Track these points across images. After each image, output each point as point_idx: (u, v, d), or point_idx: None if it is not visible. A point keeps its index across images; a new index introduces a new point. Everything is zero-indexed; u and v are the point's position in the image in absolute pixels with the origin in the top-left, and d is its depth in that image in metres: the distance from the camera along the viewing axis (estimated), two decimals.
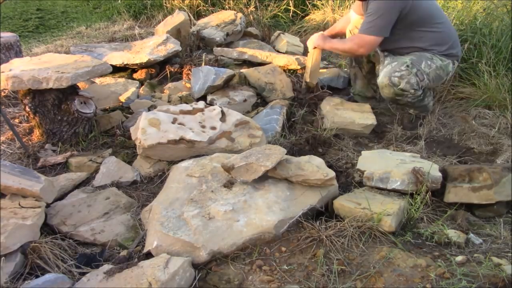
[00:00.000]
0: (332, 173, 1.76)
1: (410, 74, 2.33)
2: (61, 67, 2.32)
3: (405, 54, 2.44)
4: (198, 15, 4.76)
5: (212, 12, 4.60)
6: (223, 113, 2.33)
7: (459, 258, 1.48)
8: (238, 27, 3.99)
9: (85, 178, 2.15)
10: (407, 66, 2.34)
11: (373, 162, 2.01)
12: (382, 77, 2.41)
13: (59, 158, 2.25)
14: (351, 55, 2.62)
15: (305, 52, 3.95)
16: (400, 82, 2.33)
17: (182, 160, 2.10)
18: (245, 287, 1.41)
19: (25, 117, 2.61)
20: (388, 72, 2.38)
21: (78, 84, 2.51)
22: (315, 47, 2.75)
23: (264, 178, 1.80)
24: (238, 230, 1.57)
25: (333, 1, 4.47)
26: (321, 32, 2.86)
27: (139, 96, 3.00)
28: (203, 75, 2.88)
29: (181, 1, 4.90)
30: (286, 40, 3.91)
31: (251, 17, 4.57)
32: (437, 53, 2.41)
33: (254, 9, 4.64)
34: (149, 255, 1.55)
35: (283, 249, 1.56)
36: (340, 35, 2.91)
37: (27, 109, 2.33)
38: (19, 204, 1.64)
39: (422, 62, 2.37)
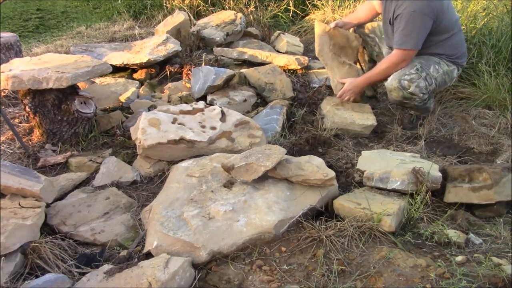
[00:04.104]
0: (332, 173, 1.76)
1: (420, 78, 2.31)
2: (61, 67, 2.32)
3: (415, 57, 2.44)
4: (198, 15, 4.76)
5: (212, 12, 4.60)
6: (223, 113, 2.33)
7: (459, 258, 1.48)
8: (238, 27, 3.99)
9: (85, 178, 2.15)
10: (417, 69, 2.33)
11: (373, 162, 2.01)
12: (391, 80, 2.38)
13: (59, 158, 2.25)
14: (389, 73, 2.41)
15: (305, 52, 3.95)
16: (410, 85, 2.31)
17: (182, 160, 2.10)
18: (245, 287, 1.41)
19: (25, 117, 2.61)
20: (398, 75, 2.35)
21: (78, 84, 2.51)
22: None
23: (264, 178, 1.80)
24: (238, 230, 1.57)
25: (333, 1, 4.47)
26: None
27: (139, 96, 3.00)
28: (203, 75, 2.88)
29: (181, 1, 4.90)
30: (286, 40, 3.91)
31: (251, 17, 4.57)
32: (445, 58, 2.41)
33: (254, 9, 4.64)
34: (149, 255, 1.55)
35: (283, 249, 1.56)
36: (363, 23, 2.80)
37: (27, 109, 2.33)
38: (19, 204, 1.64)
39: (431, 66, 2.36)
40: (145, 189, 2.08)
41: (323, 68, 3.48)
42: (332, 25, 2.71)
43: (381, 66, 2.44)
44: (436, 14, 2.24)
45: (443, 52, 2.40)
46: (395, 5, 2.31)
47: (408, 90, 2.32)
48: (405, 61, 2.34)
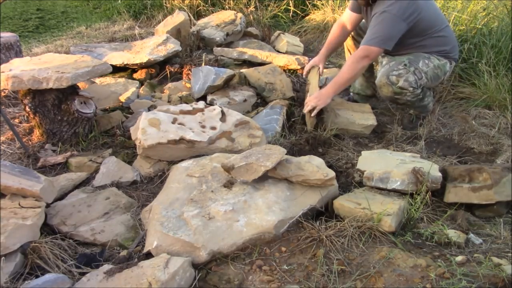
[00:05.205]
0: (332, 173, 1.76)
1: (408, 72, 2.34)
2: (61, 67, 2.32)
3: (402, 55, 2.45)
4: (198, 15, 4.76)
5: (212, 12, 4.60)
6: (223, 113, 2.33)
7: (459, 258, 1.48)
8: (238, 27, 3.99)
9: (85, 178, 2.15)
10: (405, 65, 2.36)
11: (373, 162, 2.01)
12: (380, 77, 2.41)
13: (59, 158, 2.25)
14: (357, 72, 2.37)
15: (305, 52, 3.95)
16: (398, 80, 2.33)
17: (182, 160, 2.10)
18: (245, 287, 1.41)
19: (25, 117, 2.61)
20: (386, 71, 2.39)
21: (78, 84, 2.51)
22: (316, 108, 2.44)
23: (264, 178, 1.80)
24: (238, 230, 1.57)
25: (333, 1, 4.47)
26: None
27: (139, 96, 3.00)
28: (203, 75, 2.88)
29: (181, 1, 4.90)
30: (286, 40, 3.91)
31: (251, 17, 4.57)
32: (435, 53, 2.43)
33: (254, 9, 4.64)
34: (149, 255, 1.55)
35: (283, 249, 1.56)
36: (337, 46, 2.83)
37: (27, 109, 2.33)
38: (19, 204, 1.64)
39: (420, 61, 2.39)
40: (145, 189, 2.08)
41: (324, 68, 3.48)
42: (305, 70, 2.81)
43: (345, 65, 2.42)
44: (409, 15, 2.25)
45: (432, 49, 2.42)
46: (374, 9, 2.35)
47: (397, 85, 2.34)
48: (367, 57, 2.31)
